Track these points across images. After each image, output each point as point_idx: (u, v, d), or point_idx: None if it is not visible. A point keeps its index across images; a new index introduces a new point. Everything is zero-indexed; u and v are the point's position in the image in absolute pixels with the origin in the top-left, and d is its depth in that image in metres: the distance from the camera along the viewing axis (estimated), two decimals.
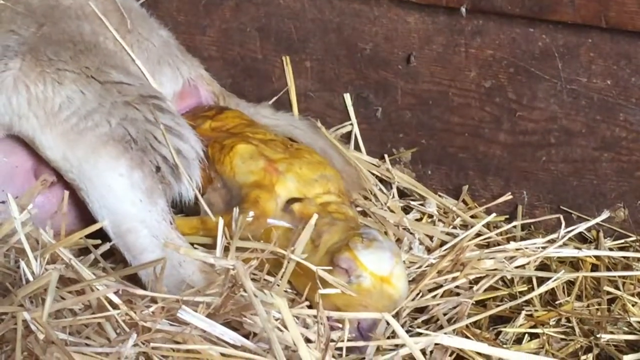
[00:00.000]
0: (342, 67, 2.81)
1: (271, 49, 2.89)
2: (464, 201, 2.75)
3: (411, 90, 2.73)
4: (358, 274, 2.18)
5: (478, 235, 2.58)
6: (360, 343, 2.09)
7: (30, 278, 2.01)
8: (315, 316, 1.98)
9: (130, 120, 2.34)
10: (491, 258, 2.47)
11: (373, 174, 2.83)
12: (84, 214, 2.38)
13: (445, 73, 2.67)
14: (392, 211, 2.70)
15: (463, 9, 2.56)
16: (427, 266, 2.48)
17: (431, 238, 2.62)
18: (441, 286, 2.40)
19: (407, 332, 2.08)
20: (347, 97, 2.83)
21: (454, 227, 2.67)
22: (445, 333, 2.11)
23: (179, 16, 2.97)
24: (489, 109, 2.65)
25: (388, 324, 1.86)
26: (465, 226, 2.67)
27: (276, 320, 1.91)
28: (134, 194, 2.29)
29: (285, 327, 1.80)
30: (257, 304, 1.71)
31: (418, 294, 2.37)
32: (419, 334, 2.08)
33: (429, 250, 2.57)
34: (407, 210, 2.76)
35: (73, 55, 2.40)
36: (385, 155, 2.83)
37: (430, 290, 2.40)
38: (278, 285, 2.12)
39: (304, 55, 2.85)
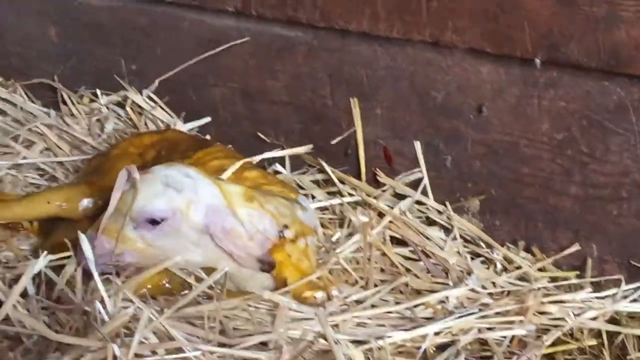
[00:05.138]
0: (413, 115, 2.82)
1: (342, 96, 2.90)
2: (532, 253, 2.74)
3: (481, 140, 2.72)
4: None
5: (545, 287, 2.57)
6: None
7: (105, 317, 2.02)
8: None
9: None
10: (560, 308, 2.44)
11: (436, 222, 2.83)
12: None
13: (517, 124, 2.65)
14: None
15: (537, 61, 2.55)
16: (488, 307, 2.46)
17: (494, 285, 2.60)
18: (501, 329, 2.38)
19: None
20: (417, 145, 2.84)
21: (518, 279, 2.64)
22: None
23: (251, 60, 2.99)
24: (560, 161, 2.63)
25: None
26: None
27: None
28: None
29: None
30: (339, 354, 1.71)
31: (471, 329, 2.35)
32: None
33: (491, 295, 2.55)
34: (472, 259, 2.74)
35: None
36: (447, 202, 2.83)
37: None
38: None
39: (374, 103, 2.86)
